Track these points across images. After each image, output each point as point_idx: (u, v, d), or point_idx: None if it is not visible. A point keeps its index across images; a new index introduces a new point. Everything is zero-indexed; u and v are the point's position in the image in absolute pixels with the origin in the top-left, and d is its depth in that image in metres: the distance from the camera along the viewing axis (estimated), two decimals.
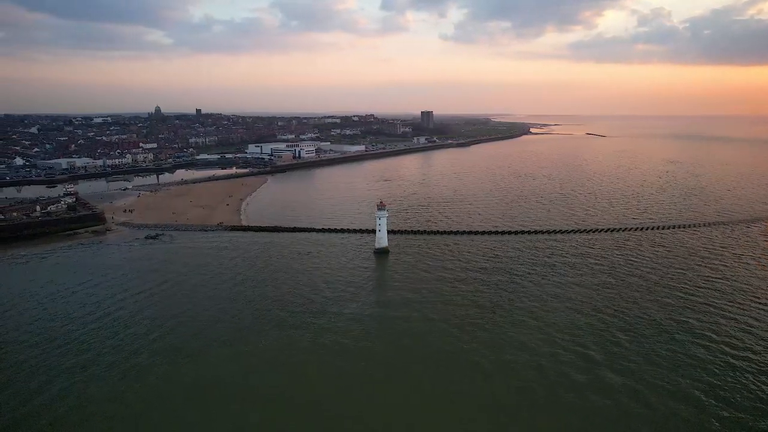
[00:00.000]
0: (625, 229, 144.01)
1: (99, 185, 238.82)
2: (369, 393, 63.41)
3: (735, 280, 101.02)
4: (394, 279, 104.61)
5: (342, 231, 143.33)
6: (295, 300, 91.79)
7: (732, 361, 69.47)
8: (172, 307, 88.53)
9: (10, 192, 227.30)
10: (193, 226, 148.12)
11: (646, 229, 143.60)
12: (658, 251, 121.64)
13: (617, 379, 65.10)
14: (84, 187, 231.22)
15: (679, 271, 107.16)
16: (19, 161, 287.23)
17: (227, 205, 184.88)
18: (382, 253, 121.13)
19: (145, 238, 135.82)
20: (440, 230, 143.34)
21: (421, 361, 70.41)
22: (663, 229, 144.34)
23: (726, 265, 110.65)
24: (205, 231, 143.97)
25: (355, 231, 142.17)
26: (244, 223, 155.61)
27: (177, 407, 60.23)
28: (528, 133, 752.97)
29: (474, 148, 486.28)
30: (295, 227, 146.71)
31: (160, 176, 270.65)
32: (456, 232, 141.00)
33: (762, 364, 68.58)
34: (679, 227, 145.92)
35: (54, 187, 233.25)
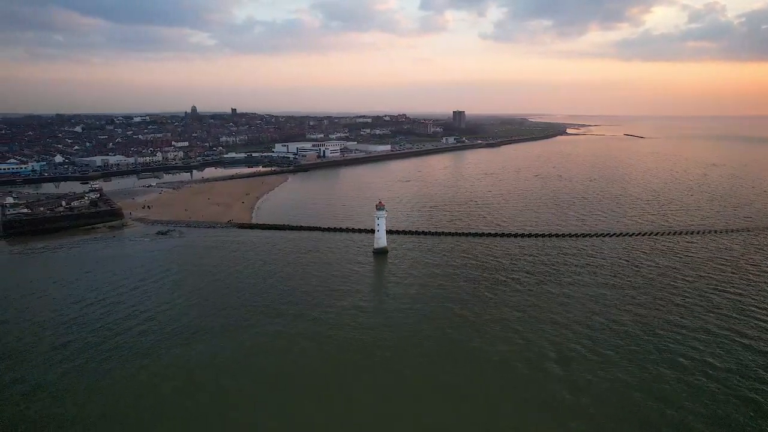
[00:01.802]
0: (632, 234, 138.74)
1: (130, 182, 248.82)
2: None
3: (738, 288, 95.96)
4: (390, 279, 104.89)
5: (346, 230, 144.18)
6: (280, 296, 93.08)
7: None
8: (149, 301, 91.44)
9: (49, 187, 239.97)
10: (203, 222, 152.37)
11: (657, 235, 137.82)
12: (658, 258, 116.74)
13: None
14: (115, 184, 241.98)
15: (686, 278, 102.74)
16: (58, 159, 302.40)
17: (243, 203, 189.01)
18: (380, 253, 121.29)
19: (156, 233, 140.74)
20: (445, 232, 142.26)
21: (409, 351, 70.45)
22: (673, 234, 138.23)
23: (735, 273, 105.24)
24: (214, 228, 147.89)
25: (359, 231, 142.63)
26: (254, 221, 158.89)
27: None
28: (563, 133, 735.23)
29: (504, 148, 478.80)
30: (300, 226, 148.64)
31: (187, 173, 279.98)
32: (461, 234, 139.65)
33: None
34: (696, 233, 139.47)
35: (87, 183, 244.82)
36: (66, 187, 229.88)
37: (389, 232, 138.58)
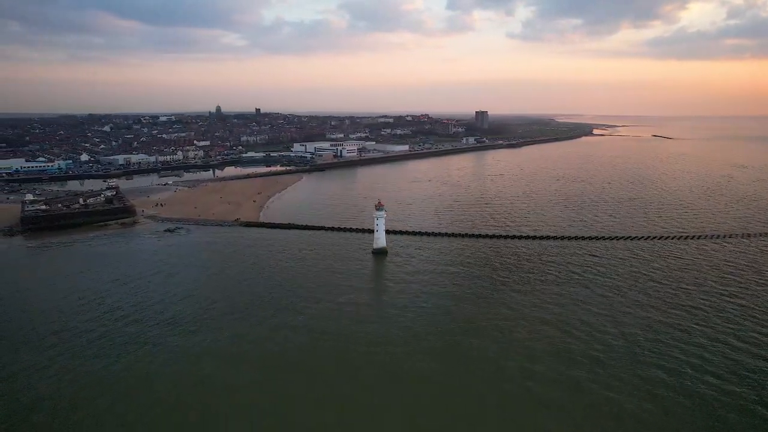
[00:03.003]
0: (632, 237, 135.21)
1: (151, 180, 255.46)
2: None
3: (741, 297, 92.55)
4: (386, 278, 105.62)
5: (350, 230, 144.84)
6: (269, 292, 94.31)
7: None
8: (138, 296, 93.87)
9: (74, 185, 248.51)
10: (211, 221, 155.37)
11: (664, 239, 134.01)
12: (660, 263, 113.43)
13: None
14: (136, 182, 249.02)
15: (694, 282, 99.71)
16: (85, 157, 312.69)
17: (254, 201, 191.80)
18: (379, 253, 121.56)
19: (164, 231, 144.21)
20: (448, 233, 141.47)
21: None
22: (672, 239, 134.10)
23: (739, 281, 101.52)
24: (221, 226, 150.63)
25: (362, 230, 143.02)
26: (262, 219, 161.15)
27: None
28: (589, 134, 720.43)
29: (525, 149, 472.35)
30: (305, 225, 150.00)
31: (206, 172, 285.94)
32: (464, 235, 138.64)
33: None
34: (708, 237, 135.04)
35: (114, 181, 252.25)
36: (90, 185, 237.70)
37: (394, 232, 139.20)
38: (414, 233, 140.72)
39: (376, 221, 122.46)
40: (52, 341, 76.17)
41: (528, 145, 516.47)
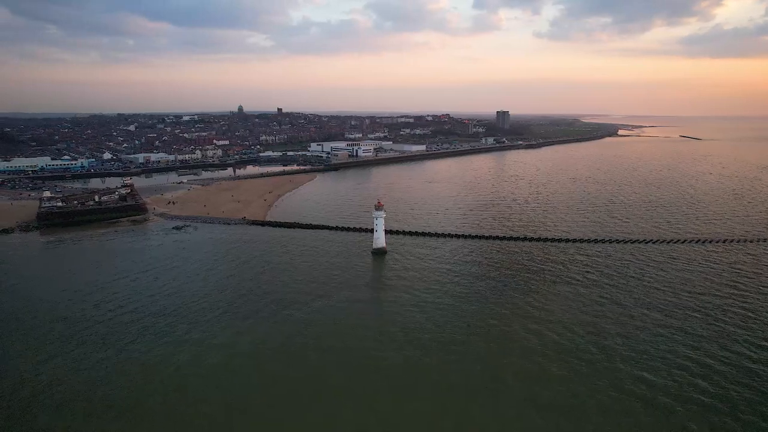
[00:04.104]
0: (632, 241, 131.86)
1: (170, 178, 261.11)
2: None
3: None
4: (386, 276, 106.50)
5: (353, 230, 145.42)
6: (260, 289, 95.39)
7: None
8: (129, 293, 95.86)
9: (96, 182, 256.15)
10: (218, 219, 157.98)
11: (659, 243, 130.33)
12: (647, 266, 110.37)
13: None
14: (155, 180, 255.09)
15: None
16: (107, 155, 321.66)
17: (264, 200, 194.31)
18: (379, 253, 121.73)
19: (172, 228, 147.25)
20: (452, 234, 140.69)
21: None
22: (670, 243, 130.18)
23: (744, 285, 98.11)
24: (228, 224, 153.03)
25: (365, 230, 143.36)
26: (269, 218, 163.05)
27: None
28: (613, 135, 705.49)
29: (544, 150, 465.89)
30: (310, 224, 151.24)
31: (224, 171, 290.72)
32: (468, 236, 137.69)
33: None
34: (712, 241, 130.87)
35: (129, 178, 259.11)
36: (111, 183, 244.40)
37: (397, 232, 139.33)
38: (417, 234, 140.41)
39: (375, 221, 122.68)
40: (44, 329, 78.82)
41: (548, 145, 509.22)
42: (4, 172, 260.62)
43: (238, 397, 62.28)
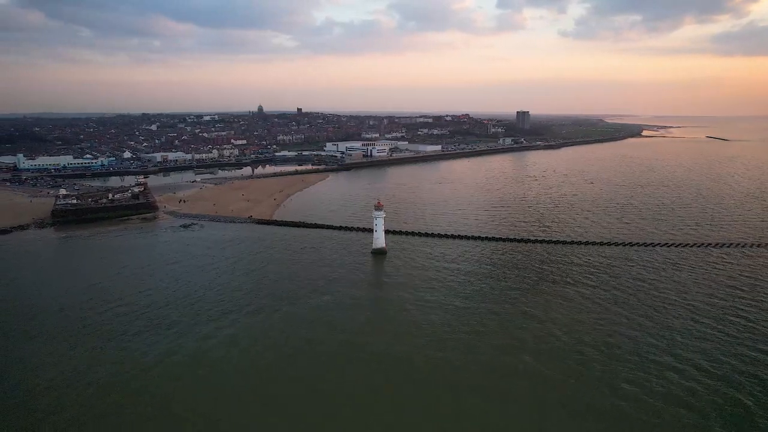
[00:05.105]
0: (632, 244, 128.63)
1: (182, 176, 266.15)
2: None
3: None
4: (385, 274, 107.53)
5: (357, 230, 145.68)
6: (253, 287, 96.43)
7: None
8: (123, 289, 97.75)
9: (115, 180, 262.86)
10: (225, 217, 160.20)
11: (663, 246, 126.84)
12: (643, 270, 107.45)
13: None
14: (171, 178, 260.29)
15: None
16: (127, 154, 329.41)
17: (274, 199, 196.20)
18: (379, 253, 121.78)
19: (179, 226, 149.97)
20: (454, 234, 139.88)
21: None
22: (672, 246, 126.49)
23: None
24: (234, 223, 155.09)
25: (368, 230, 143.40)
26: (276, 217, 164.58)
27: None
28: (637, 135, 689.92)
29: (564, 150, 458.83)
30: (314, 223, 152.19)
31: (239, 170, 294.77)
32: (471, 238, 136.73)
33: None
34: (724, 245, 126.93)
35: (147, 177, 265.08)
36: (129, 181, 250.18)
37: (399, 233, 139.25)
38: (418, 234, 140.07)
39: (375, 221, 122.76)
40: (37, 321, 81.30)
41: (568, 146, 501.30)
42: (29, 170, 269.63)
43: (233, 392, 63.14)
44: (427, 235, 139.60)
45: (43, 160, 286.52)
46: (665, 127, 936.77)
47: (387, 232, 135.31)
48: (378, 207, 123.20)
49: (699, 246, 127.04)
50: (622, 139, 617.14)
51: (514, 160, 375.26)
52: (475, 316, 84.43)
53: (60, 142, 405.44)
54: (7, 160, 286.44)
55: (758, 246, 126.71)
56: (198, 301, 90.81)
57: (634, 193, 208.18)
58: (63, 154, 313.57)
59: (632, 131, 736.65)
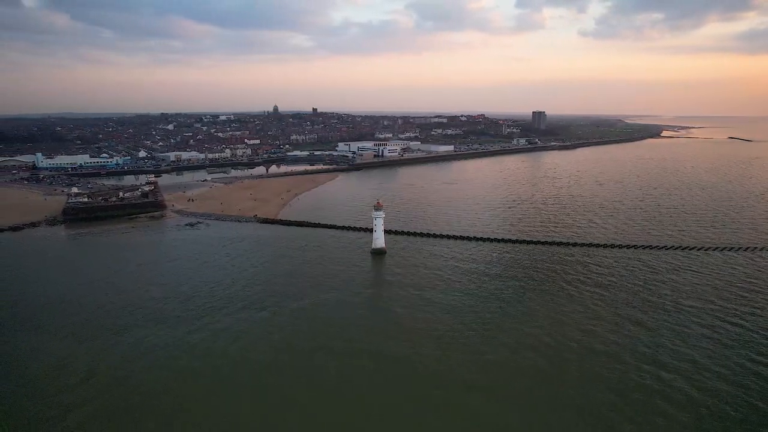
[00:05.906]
0: (630, 246, 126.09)
1: (194, 175, 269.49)
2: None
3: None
4: (385, 274, 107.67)
5: (360, 230, 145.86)
6: (248, 286, 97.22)
7: None
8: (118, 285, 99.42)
9: (130, 179, 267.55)
10: (230, 216, 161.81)
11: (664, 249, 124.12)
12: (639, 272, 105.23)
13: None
14: (184, 177, 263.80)
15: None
16: (142, 154, 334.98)
17: (281, 199, 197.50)
18: (378, 253, 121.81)
19: (185, 225, 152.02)
20: (455, 235, 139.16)
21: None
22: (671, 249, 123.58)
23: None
24: (239, 222, 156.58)
25: (370, 230, 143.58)
26: (281, 217, 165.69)
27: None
28: (656, 136, 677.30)
29: (579, 151, 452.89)
30: (318, 223, 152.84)
31: (251, 169, 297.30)
32: (473, 239, 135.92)
33: None
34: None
35: (160, 176, 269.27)
36: (143, 180, 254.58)
37: (400, 233, 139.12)
38: (419, 234, 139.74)
39: (374, 221, 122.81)
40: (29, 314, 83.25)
41: (583, 146, 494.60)
42: (47, 169, 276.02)
43: (231, 387, 64.15)
44: (428, 235, 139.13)
45: (61, 159, 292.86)
46: (686, 127, 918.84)
47: (389, 232, 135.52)
48: (378, 207, 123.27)
49: (723, 250, 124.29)
50: (640, 139, 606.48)
51: (527, 160, 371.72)
52: (476, 316, 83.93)
53: (79, 142, 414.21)
54: (27, 159, 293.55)
55: (738, 249, 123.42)
56: (195, 297, 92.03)
57: (644, 196, 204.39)
58: (80, 153, 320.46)
59: (651, 132, 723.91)
